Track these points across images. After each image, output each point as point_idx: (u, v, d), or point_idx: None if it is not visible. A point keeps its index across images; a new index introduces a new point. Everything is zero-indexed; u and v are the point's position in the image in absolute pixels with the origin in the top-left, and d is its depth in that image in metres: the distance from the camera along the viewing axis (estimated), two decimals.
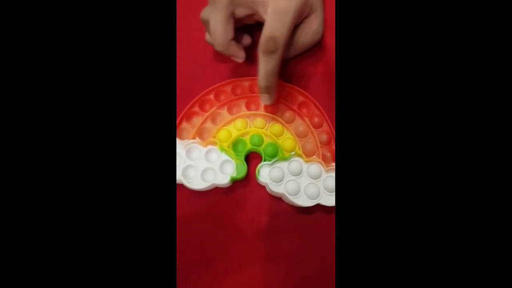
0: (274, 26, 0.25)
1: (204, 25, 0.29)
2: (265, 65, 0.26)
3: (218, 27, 0.27)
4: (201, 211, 0.28)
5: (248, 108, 0.30)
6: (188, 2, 0.34)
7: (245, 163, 0.28)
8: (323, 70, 0.33)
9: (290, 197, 0.27)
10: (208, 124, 0.30)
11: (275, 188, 0.27)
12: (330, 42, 0.33)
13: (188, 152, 0.29)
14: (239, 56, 0.30)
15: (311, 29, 0.30)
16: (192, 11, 0.32)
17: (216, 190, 0.29)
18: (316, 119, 0.30)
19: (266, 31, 0.25)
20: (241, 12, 0.28)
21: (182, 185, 0.28)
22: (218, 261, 0.27)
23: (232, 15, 0.27)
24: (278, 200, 0.28)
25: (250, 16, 0.28)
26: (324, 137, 0.30)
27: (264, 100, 0.29)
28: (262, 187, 0.29)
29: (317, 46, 0.32)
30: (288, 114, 0.30)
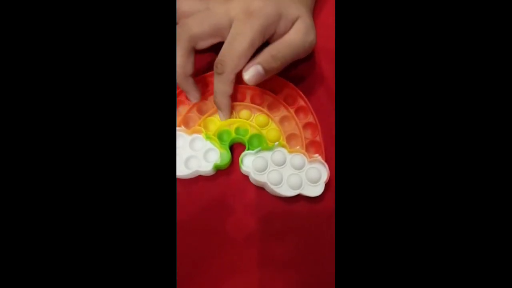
0: (225, 50, 0.26)
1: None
2: (215, 84, 0.28)
3: (177, 60, 0.27)
4: (186, 201, 0.28)
5: (234, 98, 0.31)
6: None
7: (229, 151, 0.29)
8: (316, 66, 0.33)
9: (272, 187, 0.27)
10: (194, 113, 0.30)
11: (258, 177, 0.28)
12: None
13: None
14: (193, 96, 0.29)
15: (291, 42, 0.28)
16: None
17: (199, 178, 0.29)
18: (301, 111, 0.31)
19: (219, 54, 0.26)
20: (205, 43, 0.28)
21: None
22: (210, 263, 0.27)
23: (193, 49, 0.27)
24: (261, 190, 0.29)
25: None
26: (308, 128, 0.30)
27: (220, 115, 0.30)
28: (245, 177, 0.29)
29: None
30: (273, 105, 0.31)
